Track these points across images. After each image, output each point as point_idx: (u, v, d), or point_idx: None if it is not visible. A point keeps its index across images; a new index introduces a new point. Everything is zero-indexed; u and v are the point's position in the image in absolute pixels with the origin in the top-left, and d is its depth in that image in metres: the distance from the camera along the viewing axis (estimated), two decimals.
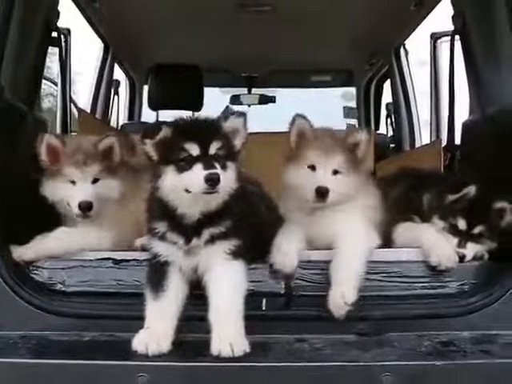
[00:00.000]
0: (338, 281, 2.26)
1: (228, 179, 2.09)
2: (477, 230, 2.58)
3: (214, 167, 2.03)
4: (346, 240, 2.38)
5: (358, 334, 2.26)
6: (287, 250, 2.39)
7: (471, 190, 2.58)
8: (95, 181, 2.71)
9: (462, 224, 2.59)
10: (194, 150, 2.05)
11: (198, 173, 2.02)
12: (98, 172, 2.71)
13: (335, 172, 2.49)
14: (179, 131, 2.10)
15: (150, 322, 2.11)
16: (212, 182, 2.00)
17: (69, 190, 2.68)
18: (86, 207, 2.64)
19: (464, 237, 2.58)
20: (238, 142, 2.19)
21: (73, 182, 2.69)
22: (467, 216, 2.58)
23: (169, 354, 2.05)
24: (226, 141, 2.13)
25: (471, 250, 2.55)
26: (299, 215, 2.54)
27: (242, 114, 2.22)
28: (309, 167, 2.51)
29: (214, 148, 2.07)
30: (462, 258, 2.49)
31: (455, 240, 2.57)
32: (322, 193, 2.43)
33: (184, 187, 2.06)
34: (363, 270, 2.29)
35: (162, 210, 2.17)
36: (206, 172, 2.01)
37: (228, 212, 2.16)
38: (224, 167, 2.07)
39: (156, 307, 2.13)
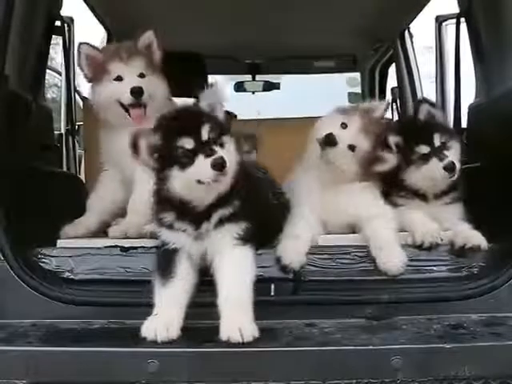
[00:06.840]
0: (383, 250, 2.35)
1: (230, 154, 2.07)
2: None
3: (215, 151, 2.01)
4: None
5: (367, 317, 2.26)
6: (295, 244, 2.38)
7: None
8: (142, 76, 2.72)
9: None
10: (187, 143, 2.03)
11: (202, 163, 2.00)
12: (145, 67, 2.72)
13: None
14: (165, 131, 2.08)
15: (159, 309, 2.11)
16: (218, 166, 1.99)
17: (117, 86, 2.68)
18: (138, 92, 2.64)
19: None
20: (220, 113, 2.17)
21: (120, 79, 2.69)
22: None
23: (178, 341, 2.05)
24: (212, 119, 2.11)
25: None
26: (317, 192, 2.54)
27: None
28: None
29: (205, 133, 2.05)
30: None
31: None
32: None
33: (195, 179, 2.03)
34: None
35: (172, 203, 2.14)
36: (210, 159, 1.99)
37: (236, 192, 2.14)
38: (222, 145, 2.06)
39: (165, 294, 2.13)
